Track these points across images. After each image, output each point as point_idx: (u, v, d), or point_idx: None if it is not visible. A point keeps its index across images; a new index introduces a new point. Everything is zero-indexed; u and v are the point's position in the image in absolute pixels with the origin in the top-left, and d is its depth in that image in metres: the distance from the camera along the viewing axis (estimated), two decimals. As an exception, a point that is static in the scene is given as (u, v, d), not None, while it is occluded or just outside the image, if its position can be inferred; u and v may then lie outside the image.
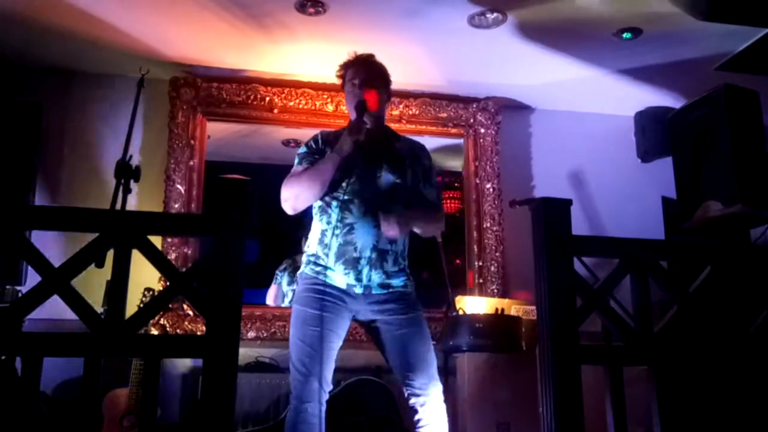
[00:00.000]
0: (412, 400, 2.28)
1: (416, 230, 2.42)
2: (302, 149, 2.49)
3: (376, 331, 2.37)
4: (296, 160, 2.47)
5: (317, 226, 2.42)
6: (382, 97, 2.49)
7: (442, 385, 2.34)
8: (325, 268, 2.35)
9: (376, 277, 2.33)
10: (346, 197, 2.34)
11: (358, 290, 2.32)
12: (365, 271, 2.32)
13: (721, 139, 3.00)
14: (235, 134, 4.17)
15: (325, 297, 2.31)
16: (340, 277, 2.33)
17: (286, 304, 4.10)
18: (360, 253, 2.32)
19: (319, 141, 2.47)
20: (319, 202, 2.42)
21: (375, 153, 2.41)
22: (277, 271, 4.18)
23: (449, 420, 2.34)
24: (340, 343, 2.33)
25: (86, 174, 3.68)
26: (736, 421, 1.95)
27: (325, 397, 2.26)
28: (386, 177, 2.39)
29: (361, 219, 2.33)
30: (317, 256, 2.38)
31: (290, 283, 4.14)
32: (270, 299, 4.11)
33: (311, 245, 2.43)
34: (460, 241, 4.13)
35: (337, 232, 2.34)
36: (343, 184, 2.35)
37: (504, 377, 3.08)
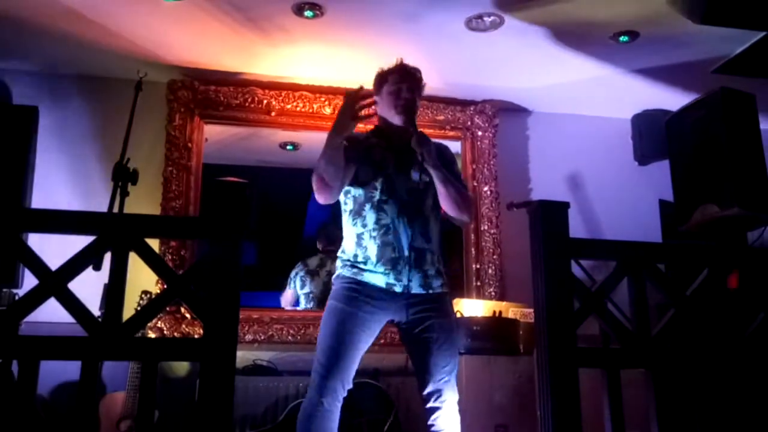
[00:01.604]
0: (428, 405, 2.29)
1: (438, 185, 2.37)
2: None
3: (407, 331, 2.37)
4: None
5: (351, 230, 2.42)
6: (416, 101, 2.52)
7: (457, 392, 2.34)
8: (363, 269, 2.35)
9: (416, 276, 2.34)
10: (380, 198, 2.37)
11: (398, 289, 2.32)
12: (405, 270, 2.32)
13: (718, 141, 3.01)
14: (232, 137, 4.17)
15: (362, 297, 2.31)
16: (379, 277, 2.33)
17: (301, 307, 4.11)
18: (399, 253, 2.33)
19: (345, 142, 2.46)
20: (351, 206, 2.44)
21: (406, 154, 2.42)
22: (291, 276, 4.20)
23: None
24: (370, 343, 2.33)
25: (84, 177, 3.68)
26: (734, 424, 1.95)
27: (344, 394, 2.26)
28: (416, 176, 2.40)
29: (397, 219, 2.35)
30: (355, 259, 2.38)
31: (303, 287, 4.16)
32: (285, 303, 4.15)
33: (347, 249, 2.43)
34: (458, 243, 4.13)
35: (375, 234, 2.35)
36: (377, 185, 2.38)
37: (502, 380, 3.07)
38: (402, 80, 2.49)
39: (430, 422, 2.28)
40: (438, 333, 2.33)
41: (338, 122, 2.30)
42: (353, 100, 2.29)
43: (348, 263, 2.39)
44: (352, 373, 2.28)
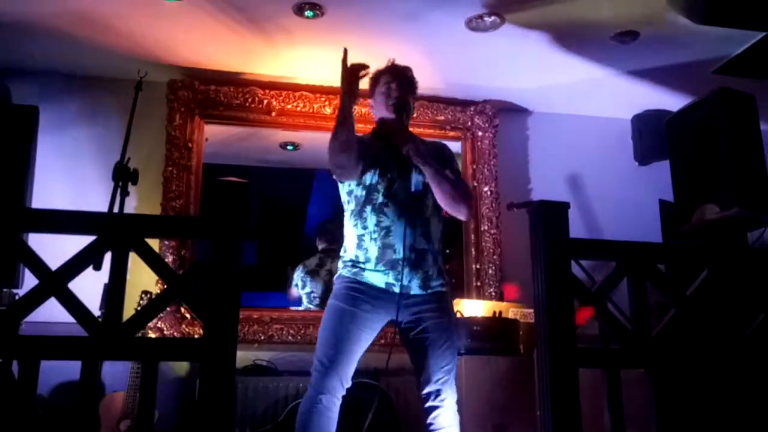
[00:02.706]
0: (426, 404, 2.31)
1: (431, 180, 2.39)
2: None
3: (406, 331, 2.38)
4: None
5: (352, 231, 2.44)
6: (408, 100, 2.56)
7: (455, 392, 2.35)
8: (364, 269, 2.36)
9: (416, 277, 2.35)
10: (381, 200, 2.38)
11: (397, 290, 2.33)
12: (405, 272, 2.33)
13: (718, 142, 3.00)
14: (232, 137, 4.17)
15: (362, 296, 2.33)
16: (379, 277, 2.35)
17: (302, 307, 4.12)
18: (399, 254, 2.33)
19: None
20: (353, 207, 2.45)
21: (405, 157, 2.44)
22: (293, 275, 4.23)
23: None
24: (370, 342, 2.35)
25: (84, 177, 3.68)
26: (734, 423, 1.95)
27: (342, 392, 2.28)
28: (416, 178, 2.43)
29: (397, 221, 2.36)
30: (356, 260, 2.39)
31: (303, 287, 4.17)
32: (290, 297, 4.22)
33: (348, 251, 2.45)
34: (458, 244, 4.13)
35: (375, 236, 2.37)
36: (380, 188, 2.39)
37: (501, 380, 3.07)
38: (393, 79, 2.53)
39: (429, 421, 2.29)
40: (437, 333, 2.34)
41: (346, 85, 2.35)
42: (348, 66, 2.38)
43: (349, 264, 2.41)
44: (351, 371, 2.29)
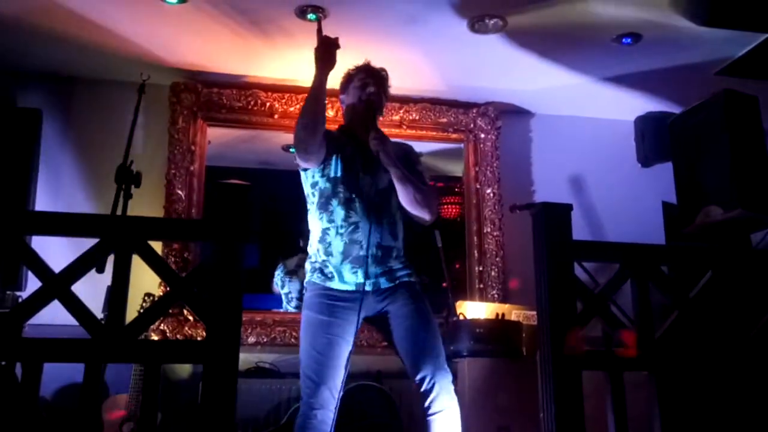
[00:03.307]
0: (422, 388, 2.28)
1: (396, 183, 2.38)
2: None
3: (385, 322, 2.37)
4: None
5: (317, 225, 2.42)
6: (381, 99, 2.55)
7: (450, 372, 2.33)
8: (332, 275, 2.35)
9: (383, 272, 2.36)
10: (347, 195, 2.37)
11: (369, 287, 2.33)
12: (372, 268, 2.33)
13: (721, 143, 3.00)
14: (235, 139, 4.18)
15: (335, 303, 2.31)
16: (348, 277, 2.34)
17: (287, 307, 4.12)
18: (366, 251, 2.32)
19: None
20: (317, 198, 2.43)
21: (371, 154, 2.43)
22: (275, 273, 4.22)
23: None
24: (350, 348, 2.32)
25: (87, 179, 3.68)
26: (738, 426, 1.94)
27: (335, 403, 2.26)
28: (383, 177, 2.42)
29: (366, 217, 2.35)
30: (323, 262, 2.38)
31: (282, 287, 4.16)
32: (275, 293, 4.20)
33: (312, 247, 2.43)
34: (461, 246, 4.13)
35: (342, 231, 2.35)
36: (346, 183, 2.38)
37: (505, 382, 3.07)
38: (367, 77, 2.53)
39: (425, 406, 2.26)
40: (414, 319, 2.32)
41: (323, 54, 2.39)
42: (323, 36, 2.45)
43: (316, 267, 2.39)
44: (340, 379, 2.27)
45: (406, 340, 2.32)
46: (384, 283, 2.36)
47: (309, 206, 2.49)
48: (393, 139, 2.63)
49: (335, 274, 2.35)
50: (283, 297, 4.14)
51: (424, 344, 2.30)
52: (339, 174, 2.39)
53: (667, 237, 3.98)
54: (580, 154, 4.28)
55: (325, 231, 2.38)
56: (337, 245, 2.35)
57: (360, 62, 2.60)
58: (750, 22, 3.04)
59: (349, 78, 2.58)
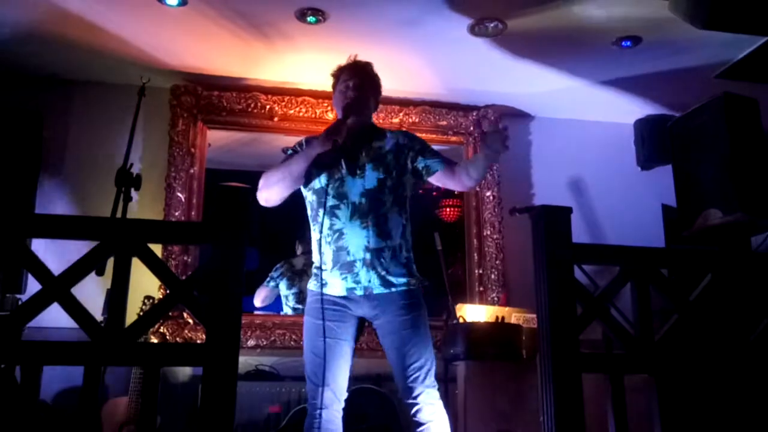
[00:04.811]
0: (406, 401, 2.30)
1: (486, 169, 2.43)
2: (288, 151, 2.52)
3: (378, 330, 2.38)
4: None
5: (314, 237, 2.43)
6: (370, 101, 2.54)
7: (436, 386, 2.33)
8: (325, 282, 2.36)
9: (375, 276, 2.32)
10: (331, 203, 2.35)
11: (359, 292, 2.32)
12: (362, 273, 2.31)
13: (720, 146, 3.00)
14: (235, 142, 4.18)
15: (329, 307, 2.33)
16: (338, 284, 2.34)
17: (287, 310, 4.11)
18: (353, 256, 2.32)
19: (303, 144, 2.50)
20: (310, 212, 2.45)
21: (356, 154, 2.42)
22: (272, 274, 4.19)
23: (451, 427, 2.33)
24: (351, 349, 2.34)
25: (87, 182, 3.69)
26: (738, 429, 1.94)
27: (341, 404, 2.28)
28: (370, 175, 2.38)
29: (349, 222, 2.33)
30: (319, 268, 2.39)
31: (289, 287, 4.15)
32: (258, 300, 4.13)
33: (314, 255, 2.44)
34: (460, 249, 4.13)
35: (329, 239, 2.35)
36: (329, 190, 2.36)
37: (504, 386, 3.06)
38: (352, 77, 2.51)
39: (412, 417, 2.29)
40: (406, 330, 2.31)
41: (319, 140, 2.35)
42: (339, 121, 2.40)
43: (315, 273, 2.40)
44: (343, 382, 2.29)
45: (392, 352, 2.33)
46: (378, 288, 2.33)
47: (308, 219, 2.50)
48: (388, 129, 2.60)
49: (327, 281, 2.35)
50: (291, 296, 4.12)
51: (408, 359, 2.29)
52: (323, 183, 2.38)
53: (667, 240, 3.98)
54: (579, 157, 4.29)
55: (318, 242, 2.38)
56: (328, 254, 2.35)
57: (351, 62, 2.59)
58: (749, 25, 3.04)
59: (335, 79, 2.58)
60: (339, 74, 2.56)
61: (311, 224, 2.45)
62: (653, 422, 1.76)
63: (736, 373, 1.88)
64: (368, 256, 2.32)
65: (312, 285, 2.41)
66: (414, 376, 2.28)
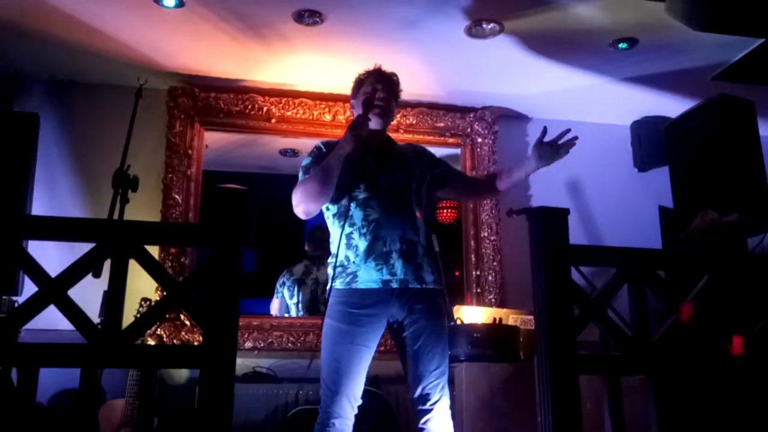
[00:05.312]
0: (418, 408, 2.28)
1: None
2: (307, 160, 2.48)
3: (398, 332, 2.35)
4: (301, 172, 2.46)
5: (338, 233, 2.39)
6: (392, 111, 2.56)
7: (449, 396, 2.32)
8: (355, 274, 2.31)
9: (410, 269, 2.33)
10: (365, 195, 2.36)
11: (395, 285, 2.30)
12: (398, 264, 2.31)
13: (717, 148, 3.01)
14: (232, 144, 4.18)
15: (357, 309, 2.28)
16: (373, 276, 2.30)
17: (292, 314, 4.10)
18: (390, 246, 2.31)
19: (323, 148, 2.48)
20: (335, 209, 2.43)
21: (383, 154, 2.46)
22: (278, 285, 4.18)
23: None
24: (373, 353, 2.30)
25: (84, 184, 3.68)
26: (734, 430, 1.94)
27: (354, 411, 2.26)
28: (398, 174, 2.43)
29: (385, 213, 2.34)
30: (345, 264, 2.35)
31: (291, 297, 4.14)
32: (274, 310, 4.13)
33: (338, 254, 2.38)
34: (458, 250, 4.13)
35: (364, 231, 2.34)
36: (361, 185, 2.37)
37: (502, 387, 3.06)
38: (377, 82, 2.53)
39: (420, 426, 2.27)
40: (428, 336, 2.30)
41: (345, 139, 2.33)
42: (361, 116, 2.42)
43: (339, 271, 2.35)
44: (359, 389, 2.26)
45: (413, 355, 2.30)
46: (413, 282, 2.32)
47: (326, 217, 2.48)
48: (401, 143, 2.64)
49: (359, 273, 2.31)
50: (292, 306, 4.08)
51: (431, 364, 2.28)
52: (352, 180, 2.37)
53: (664, 241, 3.99)
54: (576, 158, 4.23)
55: (349, 236, 2.36)
56: (362, 245, 2.33)
57: (369, 67, 2.59)
58: (746, 27, 3.04)
59: (359, 83, 2.57)
60: (365, 78, 2.57)
61: (336, 221, 2.42)
62: (650, 423, 1.77)
63: (732, 375, 1.88)
64: (404, 247, 2.33)
65: (338, 284, 2.34)
66: (434, 383, 2.27)
